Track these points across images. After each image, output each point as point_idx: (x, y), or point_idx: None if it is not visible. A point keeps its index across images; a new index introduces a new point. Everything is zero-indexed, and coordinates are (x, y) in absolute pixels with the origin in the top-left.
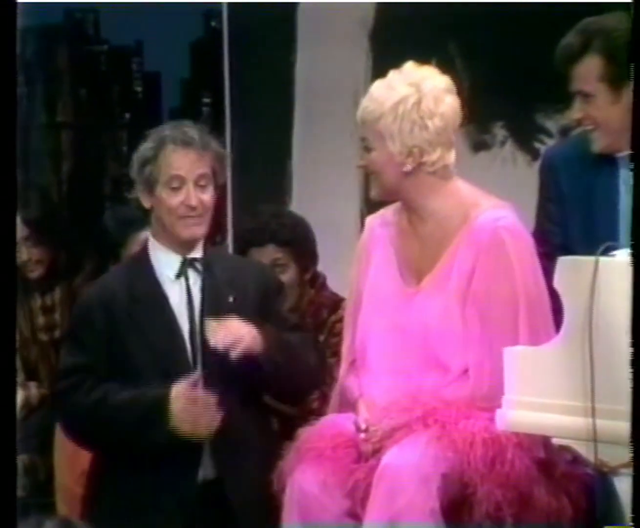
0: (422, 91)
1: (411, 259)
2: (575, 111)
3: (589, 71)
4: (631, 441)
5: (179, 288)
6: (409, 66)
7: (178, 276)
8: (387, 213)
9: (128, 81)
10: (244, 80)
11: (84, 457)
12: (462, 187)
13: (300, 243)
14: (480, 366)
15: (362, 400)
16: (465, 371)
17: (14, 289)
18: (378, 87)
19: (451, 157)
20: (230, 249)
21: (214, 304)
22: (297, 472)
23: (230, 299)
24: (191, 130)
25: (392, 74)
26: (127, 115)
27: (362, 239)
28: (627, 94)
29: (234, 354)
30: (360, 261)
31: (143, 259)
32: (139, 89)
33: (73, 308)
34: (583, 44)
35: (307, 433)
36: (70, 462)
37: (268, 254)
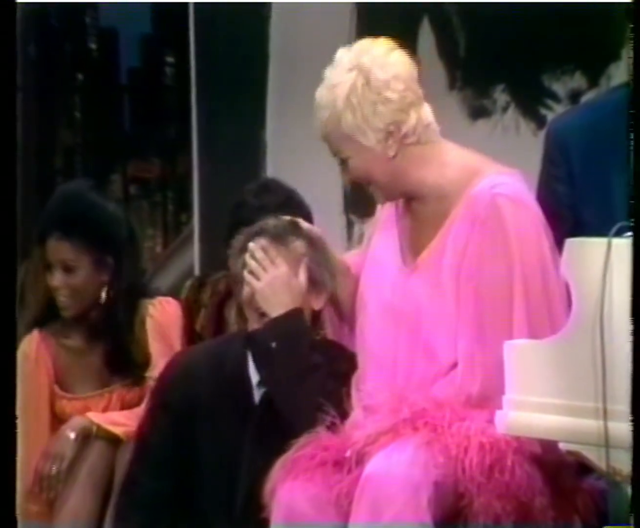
0: (363, 69)
1: (411, 235)
2: None
3: None
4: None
5: None
6: (340, 55)
7: None
8: None
9: (81, 37)
10: (212, 38)
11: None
12: (458, 153)
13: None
14: (470, 358)
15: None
16: (456, 363)
17: (13, 289)
18: (321, 95)
19: (427, 113)
20: (196, 228)
21: None
22: (285, 488)
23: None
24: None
25: (327, 74)
26: (80, 76)
27: (376, 214)
28: None
29: None
30: (370, 237)
31: None
32: (93, 46)
33: None
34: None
35: (297, 447)
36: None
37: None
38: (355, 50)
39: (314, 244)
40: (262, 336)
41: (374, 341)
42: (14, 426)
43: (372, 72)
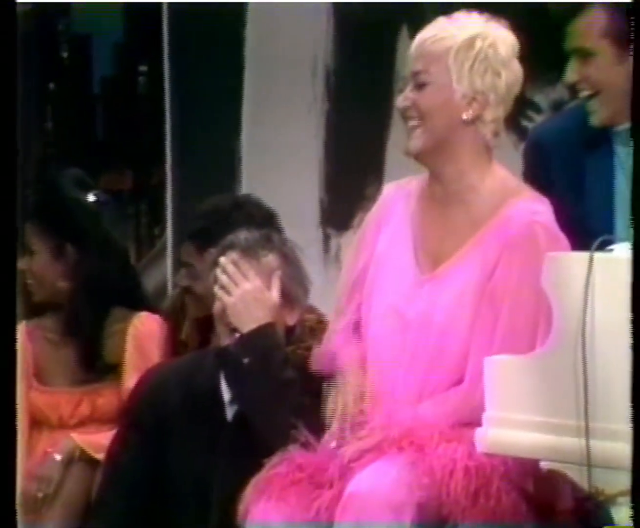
0: (497, 36)
1: (431, 241)
2: (571, 73)
3: (590, 25)
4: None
5: None
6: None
7: None
8: (409, 182)
9: (54, 45)
10: (186, 45)
11: None
12: (499, 170)
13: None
14: (478, 375)
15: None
16: (460, 379)
17: (13, 289)
18: (442, 22)
19: (503, 125)
20: (169, 241)
21: None
22: (259, 509)
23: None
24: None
25: (461, 15)
26: (52, 85)
27: (374, 207)
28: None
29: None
30: (365, 233)
31: None
32: (65, 54)
33: None
34: None
35: (270, 466)
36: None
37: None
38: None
39: (287, 258)
40: (234, 352)
41: (378, 345)
42: (14, 427)
43: (503, 44)
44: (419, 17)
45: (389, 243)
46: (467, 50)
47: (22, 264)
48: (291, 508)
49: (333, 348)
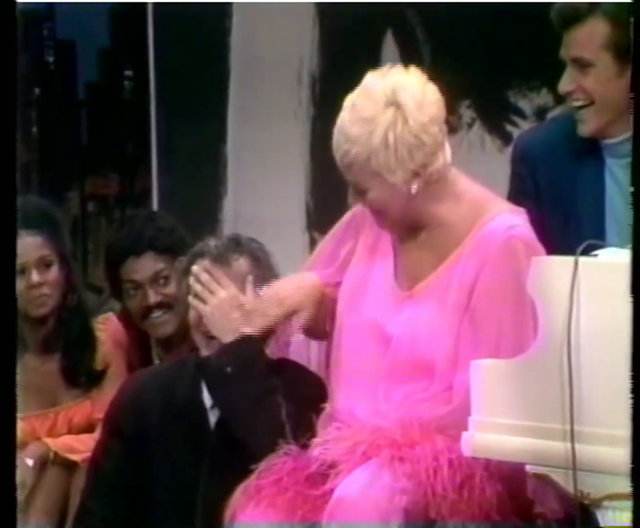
0: (402, 106)
1: (410, 260)
2: (567, 82)
3: (592, 35)
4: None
5: None
6: (371, 82)
7: None
8: None
9: (38, 50)
10: (172, 51)
11: None
12: (468, 186)
13: (180, 251)
14: (466, 390)
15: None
16: (445, 390)
17: (13, 289)
18: (350, 126)
19: (448, 152)
20: None
21: None
22: (247, 515)
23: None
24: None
25: (358, 99)
26: (37, 90)
27: (349, 215)
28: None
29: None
30: (347, 229)
31: None
32: (50, 59)
33: None
34: (589, 3)
35: (258, 472)
36: None
37: (147, 264)
38: (390, 82)
39: (258, 260)
40: (216, 362)
41: (354, 359)
42: (14, 427)
43: (411, 113)
44: (404, 29)
45: (372, 256)
46: (384, 149)
47: (35, 278)
48: (280, 513)
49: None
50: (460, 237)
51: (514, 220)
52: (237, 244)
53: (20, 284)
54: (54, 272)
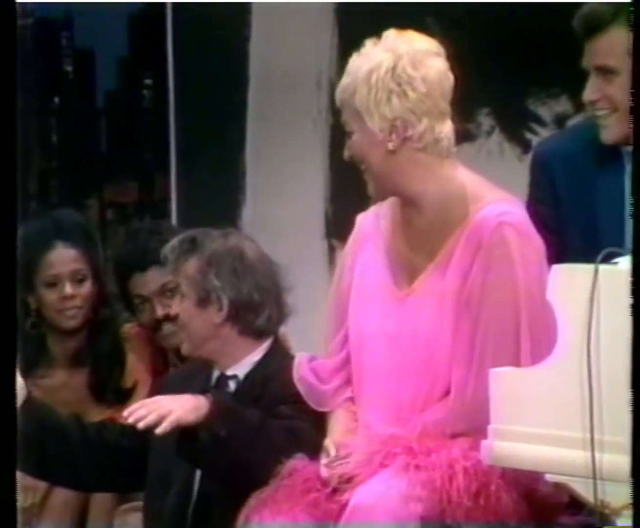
0: (398, 55)
1: (404, 257)
2: (592, 90)
3: (615, 43)
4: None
5: None
6: (389, 32)
7: None
8: (381, 207)
9: (57, 59)
10: (191, 59)
11: None
12: (464, 175)
13: None
14: (463, 385)
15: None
16: (448, 392)
17: (14, 289)
18: (353, 60)
19: (443, 129)
20: None
21: None
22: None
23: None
24: None
25: (369, 43)
26: (56, 99)
27: (350, 237)
28: None
29: (161, 429)
30: (345, 261)
31: None
32: (69, 68)
33: None
34: (613, 10)
35: (276, 479)
36: None
37: (153, 278)
38: (403, 36)
39: (212, 257)
40: (208, 433)
41: (366, 363)
42: (14, 426)
43: (403, 62)
44: (423, 30)
45: (365, 266)
46: (367, 87)
47: (68, 289)
48: (297, 519)
49: (326, 390)
50: (453, 226)
51: (506, 207)
52: (192, 242)
53: (52, 295)
54: (86, 286)
